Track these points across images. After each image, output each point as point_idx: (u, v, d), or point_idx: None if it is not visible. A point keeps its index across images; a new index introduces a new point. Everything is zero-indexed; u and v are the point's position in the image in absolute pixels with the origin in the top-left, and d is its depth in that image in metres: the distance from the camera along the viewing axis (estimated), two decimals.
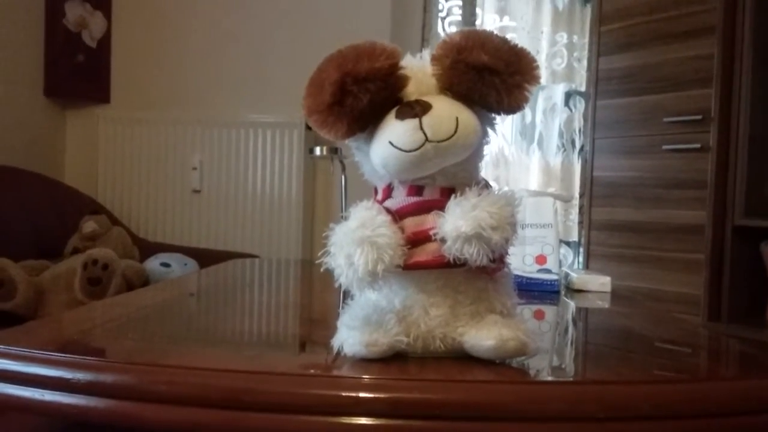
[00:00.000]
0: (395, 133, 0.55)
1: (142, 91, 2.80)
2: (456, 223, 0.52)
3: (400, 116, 0.55)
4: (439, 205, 0.55)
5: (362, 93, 0.54)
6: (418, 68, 0.58)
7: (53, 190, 2.43)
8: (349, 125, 0.56)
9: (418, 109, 0.54)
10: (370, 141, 0.57)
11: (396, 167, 0.56)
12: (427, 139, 0.54)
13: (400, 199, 0.58)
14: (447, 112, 0.55)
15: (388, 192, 0.59)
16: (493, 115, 0.60)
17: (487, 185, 0.58)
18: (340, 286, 0.55)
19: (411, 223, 0.56)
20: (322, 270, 0.55)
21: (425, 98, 0.55)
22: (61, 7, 2.65)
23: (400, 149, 0.54)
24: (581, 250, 2.66)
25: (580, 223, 2.77)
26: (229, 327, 0.79)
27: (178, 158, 2.69)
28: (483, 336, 0.54)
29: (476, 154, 0.59)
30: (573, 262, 2.82)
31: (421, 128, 0.54)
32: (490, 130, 0.61)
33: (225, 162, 2.67)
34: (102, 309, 0.91)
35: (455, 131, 0.54)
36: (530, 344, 0.55)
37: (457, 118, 0.55)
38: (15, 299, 1.70)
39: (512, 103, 0.56)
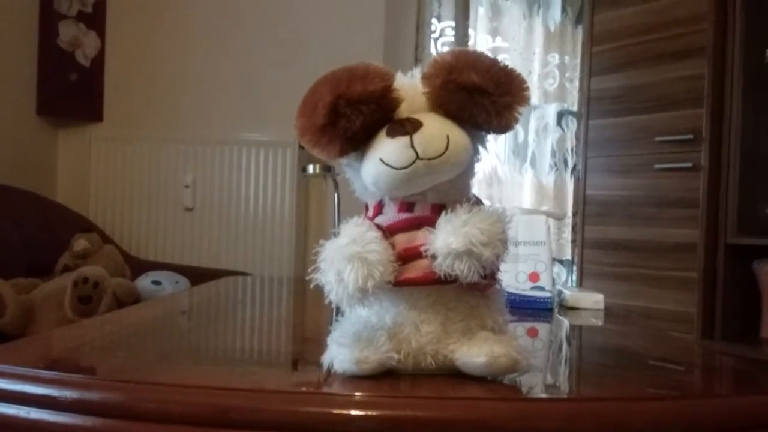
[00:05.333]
0: (386, 151, 0.55)
1: (135, 110, 2.80)
2: (447, 239, 0.52)
3: (391, 134, 0.55)
4: (429, 222, 0.55)
5: (355, 115, 0.54)
6: (410, 86, 0.58)
7: (45, 208, 2.42)
8: (341, 146, 0.56)
9: (408, 127, 0.54)
10: (362, 159, 0.57)
11: (387, 185, 0.56)
12: (418, 157, 0.54)
13: (390, 215, 0.58)
14: (438, 130, 0.55)
15: (379, 208, 0.59)
16: (483, 132, 0.60)
17: (478, 202, 0.58)
18: (330, 303, 0.54)
19: (402, 240, 0.55)
20: (312, 286, 0.55)
21: (416, 116, 0.55)
22: (54, 26, 2.66)
23: (391, 167, 0.54)
24: (574, 268, 2.67)
25: (573, 241, 2.77)
26: (219, 345, 0.79)
27: (170, 176, 2.69)
28: (474, 353, 0.54)
29: (467, 172, 0.59)
30: (566, 281, 2.82)
31: (412, 146, 0.54)
32: (481, 148, 0.61)
33: (218, 180, 2.66)
34: (91, 326, 0.90)
35: (446, 149, 0.54)
36: (522, 361, 0.54)
37: (447, 136, 0.55)
38: (4, 317, 1.69)
39: (502, 124, 0.56)
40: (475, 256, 0.52)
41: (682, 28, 2.22)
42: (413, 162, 0.54)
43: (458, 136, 0.56)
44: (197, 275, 2.22)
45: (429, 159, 0.54)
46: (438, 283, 0.54)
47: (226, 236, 2.66)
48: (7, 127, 2.51)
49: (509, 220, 0.55)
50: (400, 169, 0.54)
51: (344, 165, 0.62)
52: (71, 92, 2.73)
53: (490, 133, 0.59)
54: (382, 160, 0.55)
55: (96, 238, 2.29)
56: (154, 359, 0.69)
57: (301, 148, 2.55)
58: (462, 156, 0.56)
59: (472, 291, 0.56)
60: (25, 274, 2.03)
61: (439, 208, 0.56)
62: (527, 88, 0.57)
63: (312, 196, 2.75)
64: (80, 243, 2.22)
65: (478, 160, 0.60)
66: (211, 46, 2.76)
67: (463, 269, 0.52)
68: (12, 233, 2.15)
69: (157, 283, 2.15)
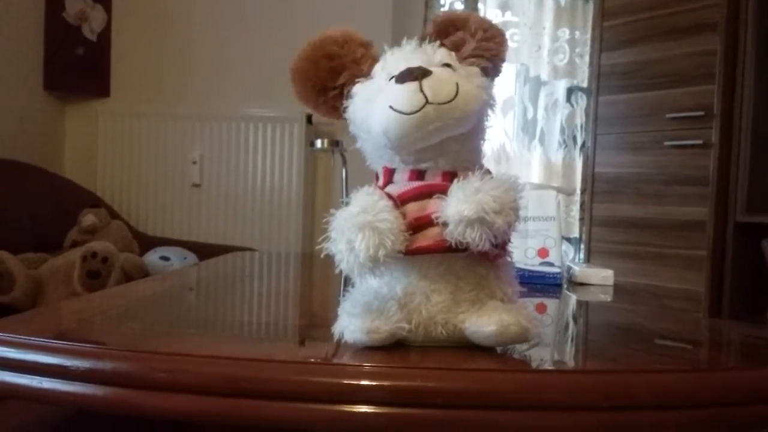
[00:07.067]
0: (395, 96, 0.55)
1: (142, 85, 2.79)
2: (458, 206, 0.52)
3: (400, 80, 0.55)
4: (441, 189, 0.55)
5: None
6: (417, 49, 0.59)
7: (53, 183, 2.42)
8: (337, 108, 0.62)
9: (417, 73, 0.54)
10: (364, 110, 0.58)
11: (397, 132, 0.55)
12: (427, 101, 0.54)
13: (401, 184, 0.57)
14: (447, 77, 0.55)
15: (390, 177, 0.59)
16: (490, 81, 0.60)
17: (488, 172, 0.58)
18: (340, 274, 0.54)
19: (413, 209, 0.55)
20: (322, 256, 0.54)
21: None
22: (61, 0, 2.64)
23: (400, 112, 0.54)
24: (582, 246, 2.66)
25: (581, 219, 2.76)
26: (229, 317, 0.79)
27: (177, 152, 2.68)
28: (484, 322, 0.53)
29: (477, 133, 0.59)
30: (574, 258, 2.82)
31: (422, 90, 0.54)
32: (492, 104, 0.60)
33: (225, 156, 2.66)
34: (101, 299, 0.90)
35: (456, 95, 0.54)
36: (531, 330, 0.54)
37: (457, 83, 0.55)
38: (13, 292, 1.70)
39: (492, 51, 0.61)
40: (487, 224, 0.51)
41: (694, 2, 2.18)
42: (423, 106, 0.54)
43: (467, 84, 0.56)
44: (205, 251, 2.22)
45: (439, 104, 0.54)
46: (449, 251, 0.54)
47: (233, 212, 2.66)
48: (14, 102, 2.50)
49: (521, 188, 0.54)
50: (410, 114, 0.54)
51: (350, 125, 0.61)
52: (78, 67, 2.72)
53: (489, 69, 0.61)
54: (391, 107, 0.55)
55: (104, 214, 2.30)
56: (164, 330, 0.69)
57: (309, 123, 2.55)
58: (472, 103, 0.56)
59: (482, 261, 0.56)
60: (33, 250, 2.04)
61: (450, 176, 0.56)
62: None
63: (319, 171, 2.74)
64: (88, 218, 2.22)
65: (487, 118, 0.59)
66: (219, 21, 2.74)
67: (474, 237, 0.52)
68: (20, 209, 2.16)
69: (165, 258, 2.16)
